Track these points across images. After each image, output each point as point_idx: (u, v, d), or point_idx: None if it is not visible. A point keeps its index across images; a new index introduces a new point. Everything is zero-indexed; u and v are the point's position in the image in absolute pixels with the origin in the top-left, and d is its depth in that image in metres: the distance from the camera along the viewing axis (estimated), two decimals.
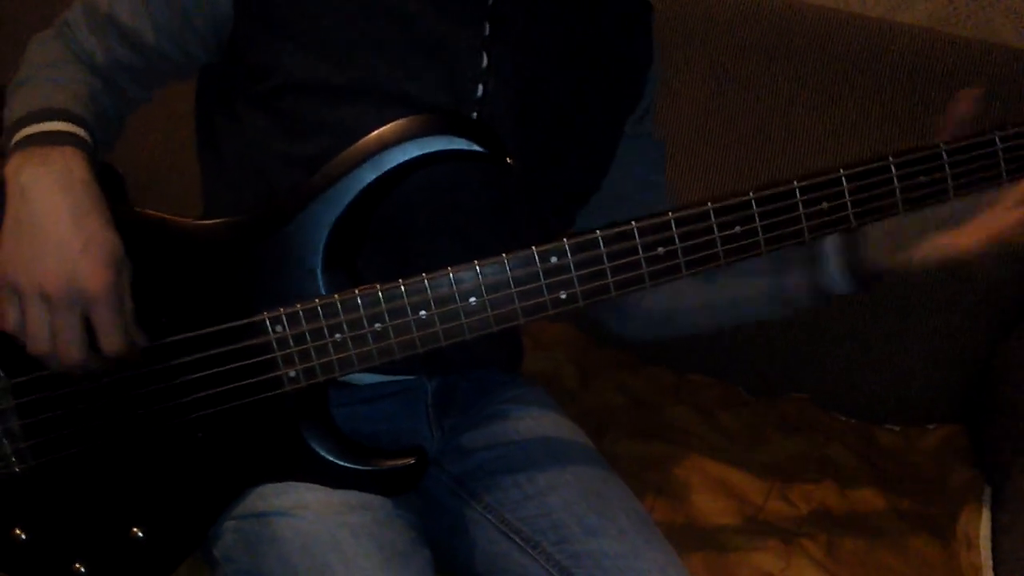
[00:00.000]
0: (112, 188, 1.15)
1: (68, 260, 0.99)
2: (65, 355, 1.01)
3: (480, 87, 1.17)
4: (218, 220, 1.10)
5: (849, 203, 1.08)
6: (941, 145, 1.08)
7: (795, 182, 1.07)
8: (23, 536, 1.09)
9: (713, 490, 1.52)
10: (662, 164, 1.39)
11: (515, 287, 1.06)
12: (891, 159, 1.08)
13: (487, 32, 1.16)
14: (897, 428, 1.76)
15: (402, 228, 1.16)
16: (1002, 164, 1.09)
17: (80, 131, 1.06)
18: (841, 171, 1.07)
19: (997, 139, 1.09)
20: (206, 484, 1.12)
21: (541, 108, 1.23)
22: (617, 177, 1.32)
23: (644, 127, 1.34)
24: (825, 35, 1.78)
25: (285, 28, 1.13)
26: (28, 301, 1.00)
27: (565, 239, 1.05)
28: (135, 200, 1.15)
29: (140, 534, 1.10)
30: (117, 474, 1.10)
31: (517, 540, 1.19)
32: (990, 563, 1.42)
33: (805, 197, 1.07)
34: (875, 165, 1.08)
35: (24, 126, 1.04)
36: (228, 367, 1.07)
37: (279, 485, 1.11)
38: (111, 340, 1.02)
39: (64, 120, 1.05)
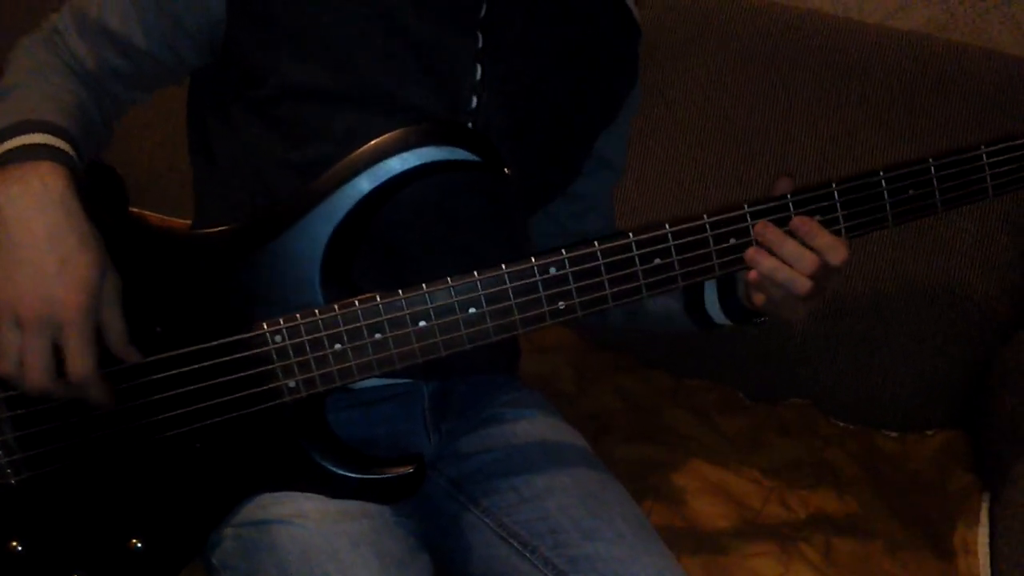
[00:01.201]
0: (111, 190, 1.15)
1: (42, 283, 0.98)
2: (30, 379, 1.00)
3: (474, 98, 1.17)
4: (215, 228, 1.10)
5: (841, 216, 1.10)
6: (930, 160, 1.11)
7: (788, 196, 1.09)
8: (20, 548, 1.08)
9: (711, 494, 1.52)
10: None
11: (514, 298, 1.07)
12: (882, 173, 1.10)
13: (480, 44, 1.17)
14: (896, 434, 1.76)
15: (397, 238, 1.16)
16: (988, 180, 1.12)
17: (60, 143, 1.04)
18: (833, 185, 1.09)
19: (984, 155, 1.12)
20: (204, 495, 1.12)
21: (535, 119, 1.23)
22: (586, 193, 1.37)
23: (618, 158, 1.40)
24: (822, 42, 1.78)
25: (284, 31, 1.13)
26: (1, 322, 0.99)
27: (564, 250, 1.06)
28: (134, 201, 1.15)
29: (139, 544, 1.09)
30: (114, 485, 1.10)
31: (515, 544, 1.19)
32: (988, 569, 1.42)
33: (799, 212, 1.09)
34: (866, 180, 1.10)
35: (5, 139, 1.03)
36: (227, 378, 1.07)
37: (278, 494, 1.11)
38: (77, 367, 1.00)
39: (45, 132, 1.04)
